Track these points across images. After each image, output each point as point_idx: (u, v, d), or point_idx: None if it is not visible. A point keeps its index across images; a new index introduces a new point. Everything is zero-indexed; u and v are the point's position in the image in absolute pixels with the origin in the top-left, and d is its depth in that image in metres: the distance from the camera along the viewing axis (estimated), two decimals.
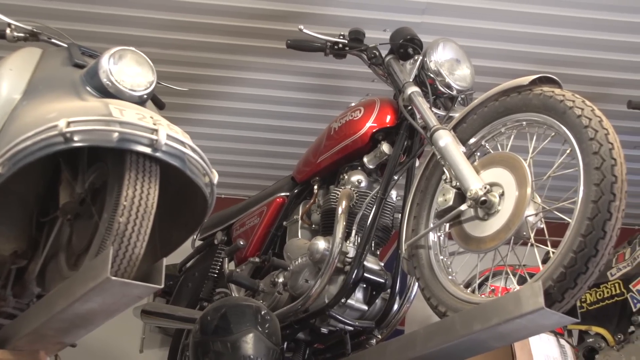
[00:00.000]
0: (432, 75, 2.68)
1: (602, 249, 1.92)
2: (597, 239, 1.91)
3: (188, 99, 3.73)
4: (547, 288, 1.93)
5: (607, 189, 1.92)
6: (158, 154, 1.97)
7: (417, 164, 2.74)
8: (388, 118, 2.78)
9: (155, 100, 2.58)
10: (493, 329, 2.03)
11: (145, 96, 2.21)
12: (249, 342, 2.39)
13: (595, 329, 3.23)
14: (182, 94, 3.43)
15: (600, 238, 1.91)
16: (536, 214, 2.14)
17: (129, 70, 2.20)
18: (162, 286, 1.89)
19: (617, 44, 3.49)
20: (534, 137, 2.23)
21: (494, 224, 2.16)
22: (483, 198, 2.18)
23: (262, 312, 2.51)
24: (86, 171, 2.22)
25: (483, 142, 2.39)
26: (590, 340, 3.23)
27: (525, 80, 2.25)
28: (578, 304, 3.22)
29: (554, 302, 1.94)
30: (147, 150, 1.96)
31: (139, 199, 1.95)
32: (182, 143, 2.04)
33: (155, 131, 1.97)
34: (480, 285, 2.88)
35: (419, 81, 2.69)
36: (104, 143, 1.94)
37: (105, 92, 2.17)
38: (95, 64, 2.21)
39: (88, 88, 2.19)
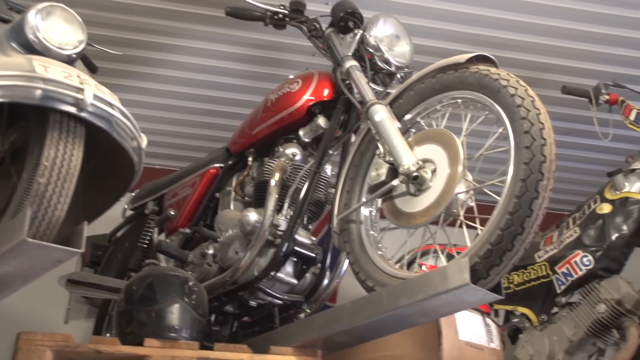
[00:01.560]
0: (371, 50, 2.66)
1: (528, 227, 1.94)
2: (523, 217, 1.93)
3: (122, 64, 3.63)
4: (473, 264, 1.94)
5: (536, 168, 1.94)
6: (83, 114, 1.90)
7: (353, 139, 2.73)
8: (326, 92, 2.75)
9: (87, 62, 2.51)
10: (419, 304, 2.03)
11: (74, 55, 2.13)
12: (174, 313, 2.35)
13: (521, 310, 3.29)
14: (117, 59, 3.34)
15: (527, 216, 1.93)
16: (467, 192, 2.15)
17: (57, 27, 2.12)
18: (82, 250, 1.84)
19: (554, 29, 3.53)
20: (468, 116, 2.25)
21: (425, 200, 2.17)
22: (415, 174, 2.18)
23: (189, 283, 2.46)
24: (6, 130, 2.13)
25: (418, 119, 2.39)
26: (516, 320, 3.30)
27: (462, 58, 2.26)
28: (505, 284, 3.33)
29: (479, 279, 1.96)
30: (72, 109, 1.89)
31: (61, 159, 1.88)
32: (110, 104, 1.97)
33: (81, 90, 1.90)
34: (413, 263, 2.92)
35: (358, 56, 2.67)
36: (26, 100, 1.86)
37: (31, 48, 2.08)
38: (21, 19, 2.11)
39: (13, 44, 2.10)
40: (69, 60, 2.11)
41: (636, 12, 3.45)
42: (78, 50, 2.14)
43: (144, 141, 2.09)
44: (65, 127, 1.91)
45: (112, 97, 2.00)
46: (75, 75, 1.94)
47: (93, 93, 1.91)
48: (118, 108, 2.00)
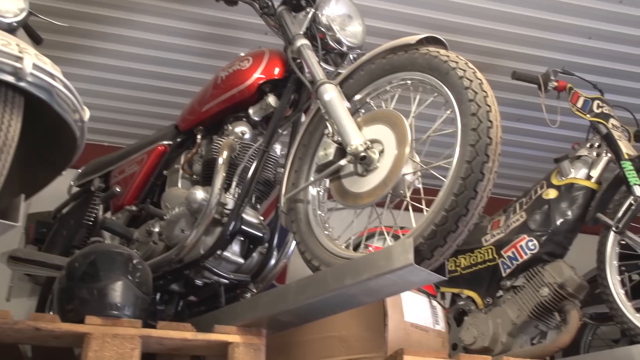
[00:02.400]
0: (323, 30, 2.65)
1: (472, 209, 1.95)
2: (468, 198, 1.93)
3: (70, 37, 3.53)
4: (417, 245, 1.95)
5: (482, 150, 1.95)
6: (22, 84, 1.84)
7: (303, 118, 2.71)
8: (276, 70, 2.73)
9: (31, 33, 2.42)
10: (364, 284, 2.03)
11: (14, 24, 2.06)
12: (116, 290, 2.32)
13: (467, 292, 3.32)
14: (64, 32, 3.27)
15: (471, 198, 1.94)
16: (414, 173, 2.16)
17: None
18: (19, 224, 1.79)
19: (505, 15, 3.56)
20: (417, 98, 2.25)
21: (372, 181, 2.17)
22: (363, 154, 2.18)
23: (134, 261, 2.43)
24: None
25: (368, 99, 2.39)
26: (461, 302, 3.33)
27: (413, 39, 2.26)
28: (452, 267, 3.36)
29: (423, 259, 1.96)
30: (10, 78, 1.82)
31: None
32: (51, 75, 1.91)
33: (20, 59, 1.83)
34: (361, 244, 2.91)
35: (310, 35, 2.65)
36: None
37: None
38: None
39: None
40: (10, 29, 2.03)
41: (584, 0, 3.49)
42: (19, 18, 2.07)
43: (86, 114, 2.03)
44: (3, 96, 1.84)
45: (54, 68, 1.94)
46: (14, 44, 1.87)
47: (33, 62, 1.85)
48: (59, 79, 1.93)
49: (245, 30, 3.59)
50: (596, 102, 3.25)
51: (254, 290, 2.76)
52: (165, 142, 3.04)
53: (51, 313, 3.09)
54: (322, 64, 2.56)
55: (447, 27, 3.54)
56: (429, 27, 3.47)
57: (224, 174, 2.61)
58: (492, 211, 3.41)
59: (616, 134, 3.13)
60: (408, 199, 2.14)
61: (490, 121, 1.98)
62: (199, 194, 2.61)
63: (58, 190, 3.03)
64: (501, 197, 4.57)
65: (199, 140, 2.90)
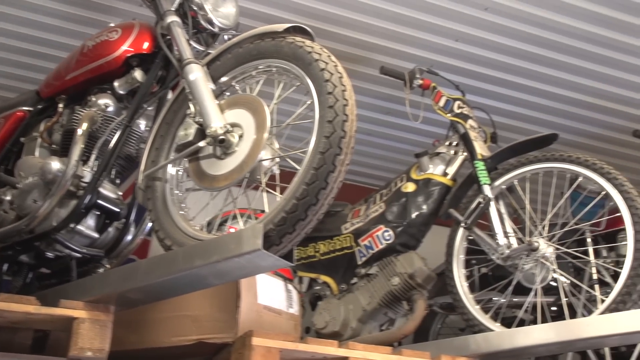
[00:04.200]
0: (195, 8, 2.63)
1: (322, 199, 2.00)
2: (319, 188, 1.98)
3: None
4: (267, 231, 1.98)
5: (335, 142, 2.00)
6: None
7: (170, 96, 2.68)
8: (145, 44, 2.69)
9: None
10: (213, 266, 2.05)
11: None
12: None
13: (324, 278, 3.40)
14: None
15: (322, 188, 1.99)
16: (271, 159, 2.19)
17: None
18: None
19: (379, 10, 3.63)
20: (281, 85, 2.28)
21: (229, 164, 2.18)
22: (222, 137, 2.19)
23: None
24: None
25: (234, 83, 2.40)
26: (317, 287, 3.41)
27: (281, 27, 2.29)
28: (312, 253, 3.43)
29: (272, 245, 2.00)
30: None
31: None
32: None
33: None
34: (222, 226, 2.92)
35: (182, 12, 2.62)
36: None
37: None
38: None
39: None
40: None
41: (453, 4, 3.62)
42: None
43: None
44: None
45: None
46: None
47: None
48: None
49: None
50: (457, 102, 3.37)
51: (108, 266, 2.72)
52: (25, 108, 2.94)
53: None
54: (192, 43, 2.55)
55: (321, 17, 3.59)
56: (304, 14, 3.50)
57: (82, 146, 2.55)
58: (355, 199, 3.50)
59: (473, 134, 3.26)
60: (263, 185, 2.17)
61: (346, 115, 2.03)
62: (55, 164, 2.55)
63: None
64: (366, 185, 4.70)
65: (60, 109, 2.81)
